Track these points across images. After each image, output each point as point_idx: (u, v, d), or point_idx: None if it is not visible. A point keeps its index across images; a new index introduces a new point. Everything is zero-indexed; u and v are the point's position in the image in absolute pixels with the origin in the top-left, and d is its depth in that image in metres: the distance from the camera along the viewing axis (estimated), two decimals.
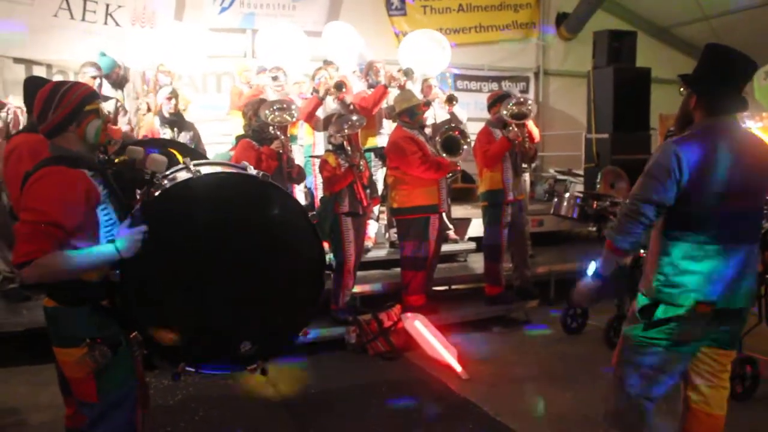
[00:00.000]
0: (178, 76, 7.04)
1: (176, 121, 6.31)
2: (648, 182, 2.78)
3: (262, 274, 2.90)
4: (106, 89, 6.61)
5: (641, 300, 2.91)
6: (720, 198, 2.70)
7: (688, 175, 2.68)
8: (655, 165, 2.77)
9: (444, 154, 6.17)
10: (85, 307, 2.61)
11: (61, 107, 2.57)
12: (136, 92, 6.85)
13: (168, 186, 2.75)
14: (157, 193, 2.71)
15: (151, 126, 6.35)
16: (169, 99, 6.30)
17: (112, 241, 2.54)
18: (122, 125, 6.33)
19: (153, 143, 4.62)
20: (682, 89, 3.01)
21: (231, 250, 2.82)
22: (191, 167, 2.80)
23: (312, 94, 6.97)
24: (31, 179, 2.52)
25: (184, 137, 6.18)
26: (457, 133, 6.37)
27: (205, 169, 2.90)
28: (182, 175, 2.80)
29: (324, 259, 3.16)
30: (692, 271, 2.75)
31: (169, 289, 2.74)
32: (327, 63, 7.54)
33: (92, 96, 2.67)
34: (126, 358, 2.72)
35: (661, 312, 2.81)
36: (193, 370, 2.92)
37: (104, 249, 2.52)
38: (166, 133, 6.18)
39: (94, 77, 6.07)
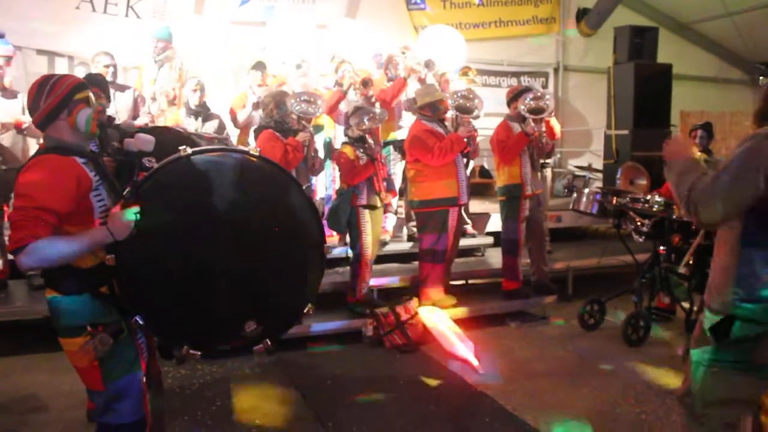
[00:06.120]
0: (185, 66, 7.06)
1: (201, 111, 6.36)
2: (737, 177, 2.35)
3: (261, 252, 2.84)
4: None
5: (710, 317, 2.52)
6: None
7: None
8: (743, 157, 2.37)
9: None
10: (84, 295, 2.62)
11: (50, 97, 2.60)
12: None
13: (156, 167, 2.72)
14: (146, 174, 2.70)
15: (176, 117, 6.40)
16: (195, 90, 6.34)
17: (105, 223, 2.54)
18: (143, 114, 6.35)
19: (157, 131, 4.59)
20: (762, 78, 2.61)
21: (228, 229, 2.77)
22: (181, 150, 2.75)
23: (335, 87, 6.97)
24: (23, 169, 2.56)
25: (209, 127, 6.22)
26: (464, 95, 6.30)
27: (197, 150, 2.84)
28: (172, 157, 2.76)
29: (323, 235, 3.12)
30: None
31: (167, 271, 2.70)
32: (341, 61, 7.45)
33: (82, 86, 2.68)
34: (129, 345, 2.73)
35: (738, 329, 2.41)
36: (197, 353, 2.89)
37: (97, 232, 2.54)
38: (191, 124, 6.22)
39: (107, 66, 6.09)
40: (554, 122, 6.49)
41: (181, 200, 2.74)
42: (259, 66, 6.96)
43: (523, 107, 6.20)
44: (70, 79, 2.69)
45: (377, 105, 6.67)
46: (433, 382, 4.98)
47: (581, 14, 11.47)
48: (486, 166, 10.41)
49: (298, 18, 8.58)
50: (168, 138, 3.22)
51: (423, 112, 6.10)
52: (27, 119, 5.80)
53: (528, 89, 6.60)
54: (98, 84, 4.62)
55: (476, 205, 8.14)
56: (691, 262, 5.25)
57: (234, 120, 6.97)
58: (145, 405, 2.80)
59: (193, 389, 4.79)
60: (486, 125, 7.79)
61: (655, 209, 5.58)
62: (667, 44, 10.50)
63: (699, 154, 6.39)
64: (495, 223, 7.42)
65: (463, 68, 8.10)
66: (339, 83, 6.88)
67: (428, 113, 6.06)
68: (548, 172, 7.58)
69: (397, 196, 7.23)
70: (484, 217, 7.89)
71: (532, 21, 11.15)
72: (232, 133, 7.11)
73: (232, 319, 2.87)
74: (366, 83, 6.74)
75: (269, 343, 2.95)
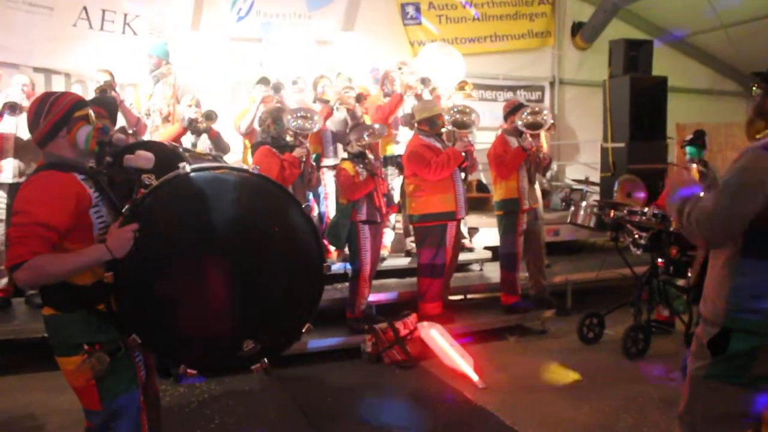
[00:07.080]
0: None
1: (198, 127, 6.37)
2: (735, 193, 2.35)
3: (260, 271, 2.84)
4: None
5: (706, 331, 2.50)
6: None
7: None
8: (742, 173, 2.36)
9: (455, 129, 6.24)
10: (81, 313, 2.60)
11: (50, 114, 2.60)
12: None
13: (156, 184, 2.70)
14: (145, 192, 2.68)
15: (172, 132, 6.39)
16: (190, 106, 6.36)
17: (104, 240, 2.53)
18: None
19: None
20: (755, 88, 2.64)
21: (227, 247, 2.77)
22: (180, 168, 2.74)
23: (315, 102, 6.97)
24: (22, 185, 2.56)
25: (204, 142, 6.23)
26: (461, 110, 6.33)
27: (195, 168, 2.82)
28: (172, 175, 2.74)
29: (323, 254, 3.11)
30: None
31: (165, 289, 2.69)
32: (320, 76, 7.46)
33: (81, 103, 2.69)
34: (127, 364, 2.71)
35: (734, 343, 2.40)
36: (195, 372, 2.86)
37: (95, 249, 2.52)
38: (189, 140, 6.23)
39: (107, 83, 6.10)
40: (542, 136, 6.51)
41: (180, 218, 2.73)
42: (264, 81, 6.95)
43: (520, 122, 6.22)
44: (69, 96, 2.69)
45: (366, 119, 6.69)
46: (432, 398, 4.97)
47: (576, 28, 11.53)
48: (483, 180, 10.42)
49: (295, 33, 8.60)
50: (155, 151, 3.19)
51: (420, 127, 6.12)
52: None
53: (521, 105, 6.63)
54: (105, 105, 4.56)
55: (473, 220, 8.14)
56: (693, 278, 5.26)
57: (237, 129, 6.96)
58: (143, 423, 2.78)
59: (192, 407, 4.75)
60: (482, 139, 7.84)
61: (652, 222, 5.59)
62: (662, 57, 10.55)
63: (694, 166, 6.38)
64: (493, 237, 7.42)
65: (460, 82, 8.15)
66: (321, 99, 6.87)
67: (426, 128, 6.08)
68: (538, 185, 7.57)
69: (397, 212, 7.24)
70: (473, 232, 7.89)
71: (528, 35, 11.19)
72: (237, 146, 7.11)
73: (230, 338, 2.85)
74: (359, 98, 6.75)
75: (266, 362, 2.93)
